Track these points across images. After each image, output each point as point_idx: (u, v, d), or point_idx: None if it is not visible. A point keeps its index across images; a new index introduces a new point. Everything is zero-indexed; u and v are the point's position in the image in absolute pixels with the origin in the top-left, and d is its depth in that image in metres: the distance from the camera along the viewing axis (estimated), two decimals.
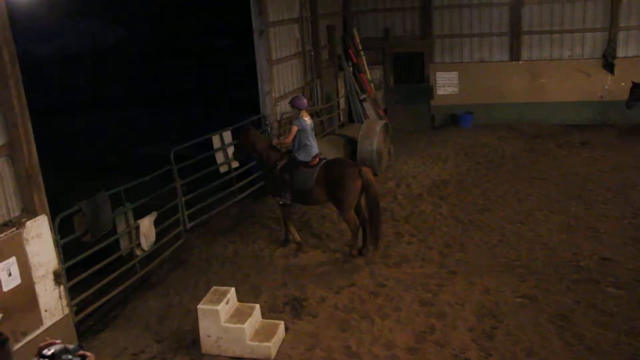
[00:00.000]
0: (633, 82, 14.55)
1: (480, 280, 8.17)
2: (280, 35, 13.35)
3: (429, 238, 9.81)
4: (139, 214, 9.04)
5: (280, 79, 13.44)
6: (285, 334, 7.27)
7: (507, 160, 13.72)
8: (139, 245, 8.94)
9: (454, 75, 17.18)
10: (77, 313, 7.54)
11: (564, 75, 16.23)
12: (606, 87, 16.08)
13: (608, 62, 16.03)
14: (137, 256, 8.89)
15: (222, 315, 6.92)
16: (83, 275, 7.84)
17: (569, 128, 15.55)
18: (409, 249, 9.43)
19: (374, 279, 8.49)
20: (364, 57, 16.82)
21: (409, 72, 17.82)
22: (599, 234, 9.47)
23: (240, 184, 11.81)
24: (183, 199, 10.14)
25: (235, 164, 11.55)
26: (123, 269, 8.62)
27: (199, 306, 7.00)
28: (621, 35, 15.97)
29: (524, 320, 7.21)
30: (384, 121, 14.23)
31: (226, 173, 11.55)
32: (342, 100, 16.38)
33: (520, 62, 16.72)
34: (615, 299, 7.56)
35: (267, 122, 12.74)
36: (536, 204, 10.85)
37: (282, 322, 7.33)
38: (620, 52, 15.99)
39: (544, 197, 11.14)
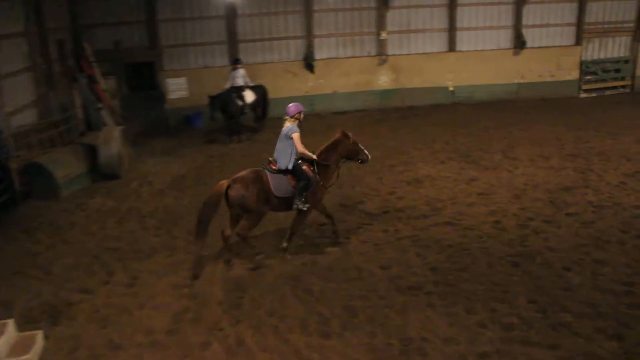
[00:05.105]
0: (209, 96, 16.07)
1: (223, 259, 8.95)
2: (6, 50, 13.27)
3: (174, 229, 10.43)
4: None
5: (11, 93, 13.29)
6: (45, 342, 7.09)
7: (235, 152, 15.42)
8: None
9: (182, 80, 18.73)
10: None
11: (276, 76, 18.79)
12: (310, 85, 19.10)
13: (308, 64, 19.10)
14: None
15: None
16: None
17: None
18: (157, 241, 9.96)
19: (127, 273, 8.84)
20: (96, 68, 17.06)
21: (142, 80, 18.76)
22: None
23: None
24: None
25: None
26: None
27: None
28: (316, 42, 19.08)
29: (263, 286, 8.16)
30: (122, 127, 15.01)
31: None
32: (79, 111, 16.55)
33: None
34: (332, 255, 9.02)
35: (3, 137, 12.30)
36: None
37: (41, 332, 7.10)
38: (317, 55, 19.12)
39: None
